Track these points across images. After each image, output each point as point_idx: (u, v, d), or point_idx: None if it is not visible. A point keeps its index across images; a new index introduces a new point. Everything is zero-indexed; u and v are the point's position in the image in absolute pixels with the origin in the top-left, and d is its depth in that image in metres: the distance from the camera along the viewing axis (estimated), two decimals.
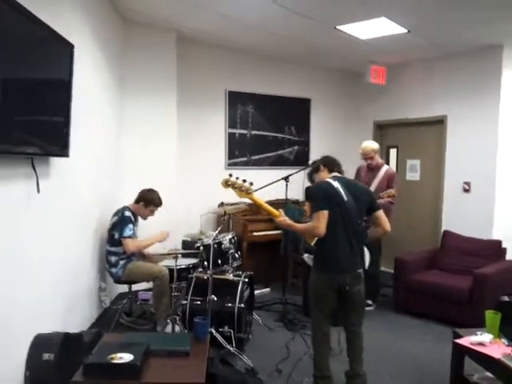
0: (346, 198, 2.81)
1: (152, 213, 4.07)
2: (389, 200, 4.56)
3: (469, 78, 5.50)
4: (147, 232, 4.11)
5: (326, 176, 3.00)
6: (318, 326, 2.97)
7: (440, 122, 5.83)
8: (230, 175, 3.09)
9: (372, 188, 4.69)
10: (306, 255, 3.09)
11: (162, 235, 4.01)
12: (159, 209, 4.12)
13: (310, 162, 4.66)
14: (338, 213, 2.79)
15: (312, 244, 2.94)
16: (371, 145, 4.95)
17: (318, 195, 2.85)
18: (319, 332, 2.96)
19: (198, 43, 5.45)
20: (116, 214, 3.96)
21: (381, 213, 3.00)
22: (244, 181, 3.06)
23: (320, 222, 2.75)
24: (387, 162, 6.64)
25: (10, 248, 2.33)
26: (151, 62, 4.95)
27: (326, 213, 2.75)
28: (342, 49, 5.57)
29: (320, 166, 3.07)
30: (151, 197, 4.00)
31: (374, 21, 4.42)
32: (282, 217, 3.02)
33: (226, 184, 3.09)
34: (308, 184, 6.07)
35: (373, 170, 4.91)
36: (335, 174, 3.02)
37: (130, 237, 3.82)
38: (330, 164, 3.06)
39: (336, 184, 2.86)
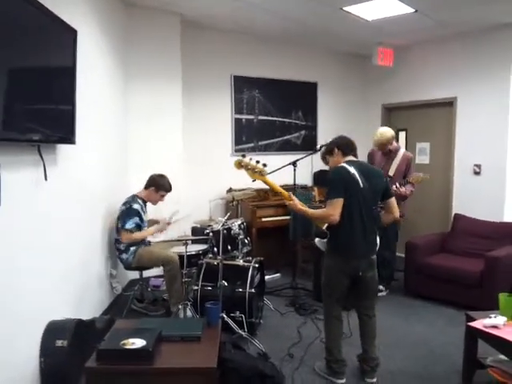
0: (362, 185, 2.78)
1: (162, 198, 4.06)
2: (411, 189, 4.50)
3: (479, 58, 5.37)
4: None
5: (340, 160, 2.92)
6: (330, 311, 2.98)
7: (450, 103, 5.73)
8: (243, 156, 3.03)
9: (390, 173, 4.60)
10: (316, 239, 3.05)
11: (160, 226, 4.00)
12: (168, 194, 4.10)
13: (318, 146, 4.62)
14: (354, 199, 2.76)
15: (324, 228, 2.91)
16: (389, 134, 4.60)
17: (335, 182, 2.80)
18: (331, 316, 2.97)
19: (201, 27, 5.36)
20: (124, 203, 3.94)
21: (393, 200, 2.97)
22: (257, 162, 3.01)
23: (335, 209, 2.72)
24: None
25: (19, 235, 2.33)
26: (155, 46, 4.86)
27: (341, 201, 2.72)
28: (348, 30, 5.46)
29: (334, 149, 2.98)
30: (162, 182, 4.00)
31: (380, 0, 4.32)
32: (293, 200, 2.98)
33: (239, 165, 3.03)
34: (316, 170, 6.11)
35: (389, 153, 4.69)
36: (350, 157, 2.94)
37: (130, 230, 3.80)
38: (345, 147, 2.96)
39: (352, 170, 2.80)
